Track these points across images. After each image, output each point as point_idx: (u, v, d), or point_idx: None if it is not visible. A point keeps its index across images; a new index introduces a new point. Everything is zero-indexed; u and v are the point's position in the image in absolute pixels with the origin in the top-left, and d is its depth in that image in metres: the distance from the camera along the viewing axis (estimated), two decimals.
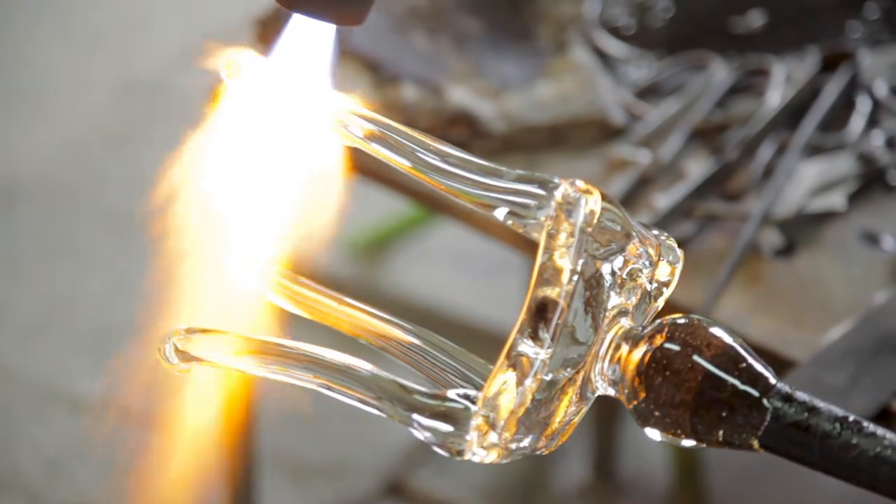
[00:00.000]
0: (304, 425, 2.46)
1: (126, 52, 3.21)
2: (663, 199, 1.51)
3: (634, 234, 0.79)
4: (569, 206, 0.77)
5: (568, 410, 0.79)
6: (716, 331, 0.77)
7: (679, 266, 0.83)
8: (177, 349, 0.86)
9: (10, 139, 3.04)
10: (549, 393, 0.78)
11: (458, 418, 0.77)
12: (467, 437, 0.76)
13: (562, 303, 0.76)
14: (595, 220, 0.77)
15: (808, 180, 1.53)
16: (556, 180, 0.78)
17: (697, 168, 1.55)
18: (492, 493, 2.36)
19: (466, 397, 0.77)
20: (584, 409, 0.81)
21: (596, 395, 0.81)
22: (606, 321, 0.79)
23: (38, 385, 2.54)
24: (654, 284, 0.82)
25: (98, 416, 2.51)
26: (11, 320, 2.65)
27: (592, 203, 0.78)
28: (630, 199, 1.53)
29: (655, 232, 0.82)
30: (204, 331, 0.86)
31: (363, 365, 0.81)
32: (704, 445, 0.77)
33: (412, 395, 0.79)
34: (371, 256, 2.71)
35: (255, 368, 0.85)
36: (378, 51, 1.62)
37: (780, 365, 1.37)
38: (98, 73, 3.17)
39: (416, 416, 0.78)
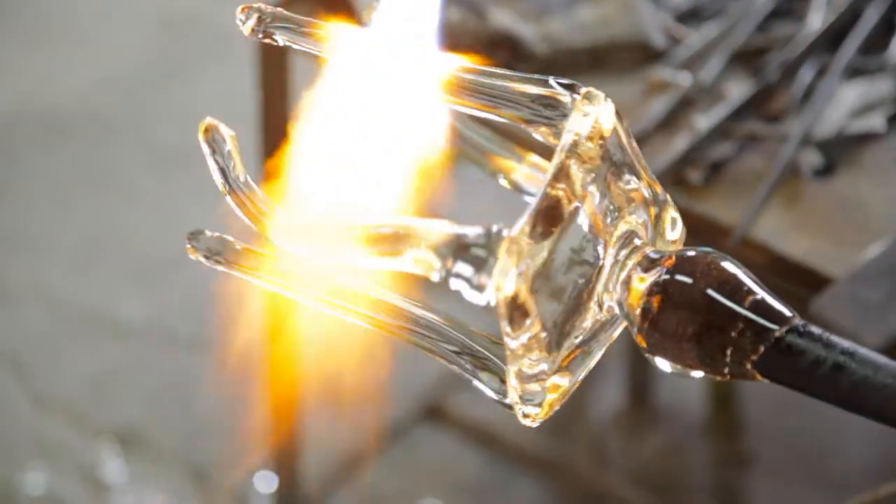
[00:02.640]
0: (344, 351, 2.49)
1: None
2: (703, 121, 1.53)
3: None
4: (597, 117, 0.79)
5: (588, 325, 0.80)
6: (727, 265, 0.76)
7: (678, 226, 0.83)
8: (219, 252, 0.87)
9: (53, 74, 3.07)
10: (563, 297, 0.79)
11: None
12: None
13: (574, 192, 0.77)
14: (618, 136, 0.79)
15: (848, 102, 1.54)
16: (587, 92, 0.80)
17: (738, 90, 1.56)
18: None
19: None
20: (610, 332, 0.81)
21: (616, 321, 0.81)
22: (618, 233, 0.79)
23: (84, 312, 2.58)
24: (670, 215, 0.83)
25: (141, 341, 2.55)
26: (58, 250, 2.69)
27: (617, 122, 0.79)
28: (670, 121, 1.54)
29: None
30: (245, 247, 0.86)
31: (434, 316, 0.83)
32: (712, 376, 0.77)
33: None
34: None
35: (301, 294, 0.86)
36: None
37: (819, 281, 1.39)
38: (140, 9, 3.19)
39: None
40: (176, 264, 2.65)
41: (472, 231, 0.78)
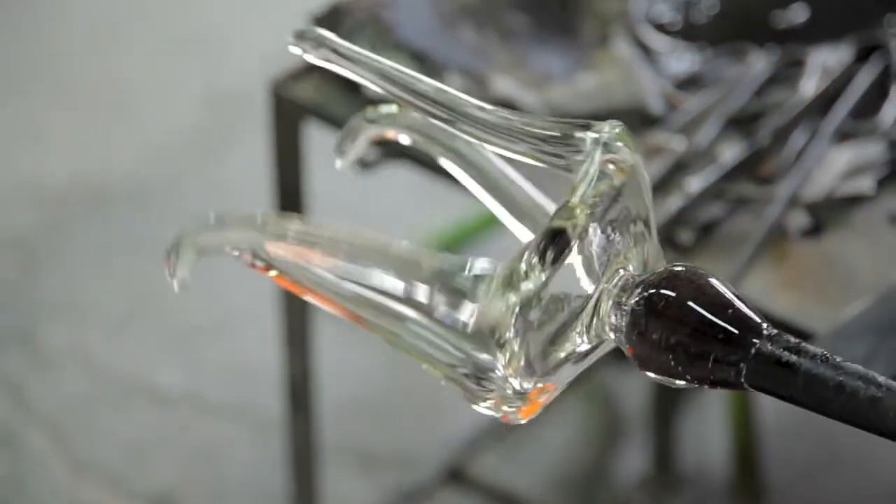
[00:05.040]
0: (368, 415, 2.53)
1: (212, 62, 3.32)
2: (695, 183, 1.57)
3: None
4: (613, 150, 0.82)
5: (574, 346, 0.84)
6: (711, 280, 0.81)
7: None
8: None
9: (103, 144, 3.15)
10: (549, 316, 0.82)
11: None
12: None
13: (573, 233, 0.81)
14: (633, 177, 0.83)
15: (838, 165, 1.57)
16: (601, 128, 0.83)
17: (730, 153, 1.60)
18: (553, 483, 2.41)
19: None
20: (592, 353, 0.84)
21: (602, 342, 0.84)
22: (611, 264, 0.83)
23: (122, 377, 2.64)
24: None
25: (177, 407, 2.60)
26: (98, 315, 2.75)
27: (633, 158, 0.83)
28: (664, 183, 1.58)
29: None
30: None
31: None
32: (696, 385, 0.81)
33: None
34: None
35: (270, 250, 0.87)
36: (426, 43, 1.69)
37: (801, 338, 1.41)
38: (185, 83, 3.28)
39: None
40: (211, 331, 2.71)
41: (461, 260, 0.83)
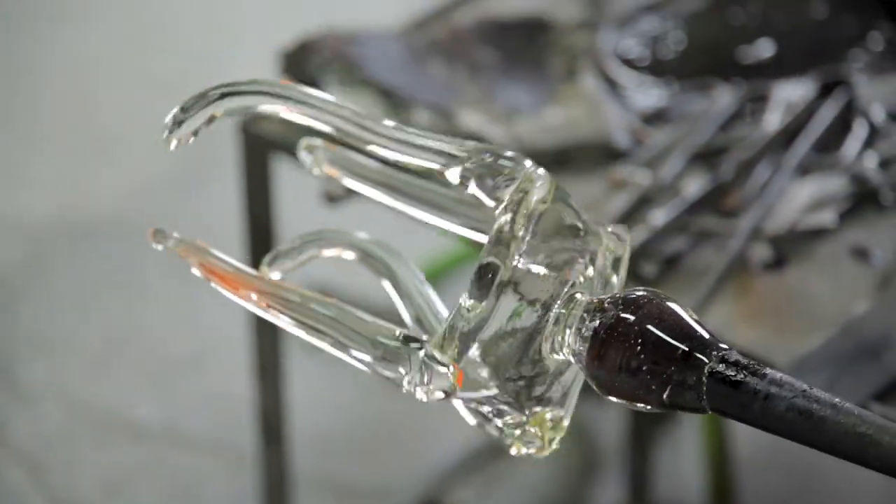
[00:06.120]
0: (345, 446, 2.54)
1: None
2: (659, 216, 1.58)
3: (581, 223, 0.86)
4: (533, 180, 0.84)
5: (551, 375, 0.85)
6: (669, 303, 0.82)
7: (627, 247, 0.88)
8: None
9: (83, 180, 3.17)
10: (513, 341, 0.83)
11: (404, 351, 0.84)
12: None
13: (505, 264, 0.82)
14: (552, 198, 0.84)
15: (800, 198, 1.59)
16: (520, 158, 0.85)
17: (694, 187, 1.61)
18: None
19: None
20: (559, 376, 0.86)
21: (569, 365, 0.86)
22: (563, 289, 0.85)
23: (101, 412, 2.64)
24: (610, 259, 0.88)
25: (156, 442, 2.60)
26: (77, 350, 2.76)
27: (549, 185, 0.84)
28: (629, 217, 1.59)
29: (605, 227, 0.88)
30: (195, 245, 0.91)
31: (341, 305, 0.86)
32: (658, 410, 0.82)
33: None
34: None
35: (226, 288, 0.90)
36: (394, 79, 1.71)
37: None
38: (163, 120, 3.29)
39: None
40: (189, 364, 2.71)
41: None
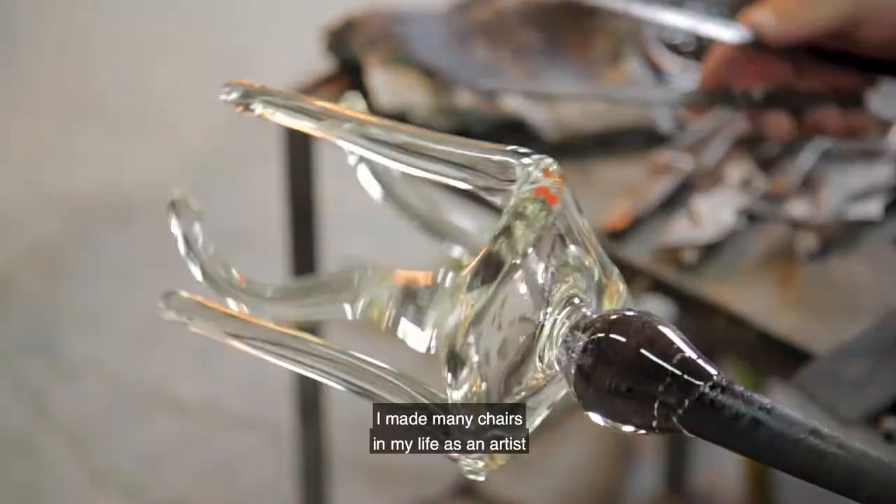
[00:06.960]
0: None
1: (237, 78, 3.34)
2: (701, 202, 1.57)
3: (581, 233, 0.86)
4: (546, 182, 0.83)
5: (531, 382, 0.85)
6: (660, 326, 0.81)
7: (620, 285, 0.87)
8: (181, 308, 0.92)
9: (129, 157, 3.18)
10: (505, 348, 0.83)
11: None
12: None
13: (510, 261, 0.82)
14: (565, 205, 0.83)
15: (846, 187, 1.57)
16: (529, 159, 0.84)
17: (738, 172, 1.60)
18: (564, 501, 2.41)
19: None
20: (554, 390, 0.86)
21: (559, 379, 0.85)
22: (559, 295, 0.84)
23: (142, 388, 2.66)
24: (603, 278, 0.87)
25: (196, 418, 2.62)
26: (120, 326, 2.77)
27: (565, 191, 0.84)
28: (671, 202, 1.58)
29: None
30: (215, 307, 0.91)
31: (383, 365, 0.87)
32: (643, 432, 0.81)
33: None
34: None
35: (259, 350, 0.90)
36: (437, 59, 1.70)
37: (801, 358, 1.42)
38: (211, 99, 3.30)
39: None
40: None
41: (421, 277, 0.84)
